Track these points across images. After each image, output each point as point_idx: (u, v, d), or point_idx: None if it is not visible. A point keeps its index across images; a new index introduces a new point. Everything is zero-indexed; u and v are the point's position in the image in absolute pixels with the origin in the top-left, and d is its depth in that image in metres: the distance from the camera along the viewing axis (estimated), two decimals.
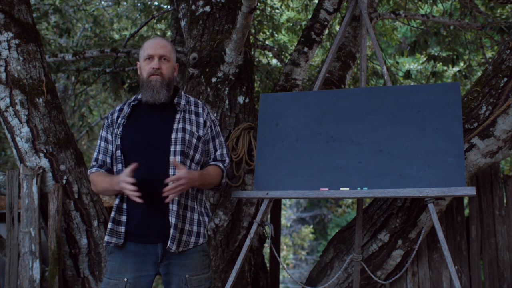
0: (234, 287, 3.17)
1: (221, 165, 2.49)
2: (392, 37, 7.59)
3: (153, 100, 2.37)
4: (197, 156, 2.42)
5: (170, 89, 2.42)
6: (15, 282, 3.45)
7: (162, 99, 2.38)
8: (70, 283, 3.59)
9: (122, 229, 2.32)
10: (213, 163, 2.49)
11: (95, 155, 2.48)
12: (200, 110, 2.51)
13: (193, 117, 2.46)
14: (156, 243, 2.31)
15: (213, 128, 2.52)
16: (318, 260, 4.28)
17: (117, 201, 2.34)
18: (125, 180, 2.18)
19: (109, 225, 2.32)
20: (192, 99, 2.54)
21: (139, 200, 2.18)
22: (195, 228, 2.37)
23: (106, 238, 2.31)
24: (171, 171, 2.31)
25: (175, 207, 2.28)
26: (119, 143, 2.37)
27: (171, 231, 2.27)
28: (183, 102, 2.46)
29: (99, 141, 2.49)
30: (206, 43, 3.74)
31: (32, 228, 3.42)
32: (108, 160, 2.45)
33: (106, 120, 2.49)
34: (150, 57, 2.40)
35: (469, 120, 3.48)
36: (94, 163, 2.47)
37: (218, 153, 2.51)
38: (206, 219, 2.47)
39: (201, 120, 2.48)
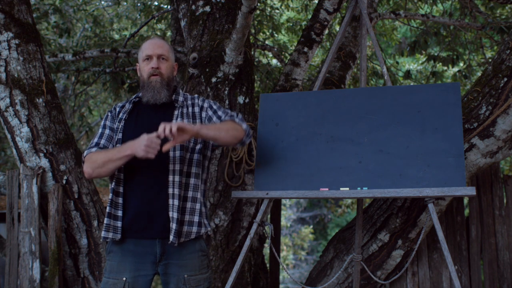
0: (234, 287, 3.17)
1: (228, 118, 2.42)
2: (392, 37, 7.59)
3: (154, 101, 2.39)
4: (197, 147, 2.42)
5: (170, 88, 2.44)
6: (15, 282, 3.45)
7: (163, 99, 2.39)
8: (70, 283, 3.59)
9: (119, 223, 2.32)
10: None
11: (95, 140, 2.40)
12: (196, 100, 2.51)
13: (190, 109, 2.47)
14: (154, 238, 2.31)
15: (212, 105, 2.49)
16: (318, 260, 4.28)
17: (111, 195, 2.33)
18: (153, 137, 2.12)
19: (105, 220, 2.31)
20: (189, 95, 2.55)
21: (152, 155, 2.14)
22: (196, 218, 2.37)
23: (103, 233, 2.31)
24: (170, 166, 2.31)
25: (176, 202, 2.28)
26: (120, 137, 2.37)
27: (173, 225, 2.27)
28: (180, 98, 2.48)
29: (101, 129, 2.44)
30: (206, 43, 3.74)
31: (32, 228, 3.42)
32: (111, 147, 2.39)
33: (110, 112, 2.49)
34: (148, 58, 2.41)
35: (469, 120, 3.48)
36: (95, 146, 2.38)
37: (222, 118, 2.45)
38: (204, 209, 2.46)
39: (196, 109, 2.47)
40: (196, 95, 2.56)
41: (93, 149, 2.37)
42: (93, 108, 10.17)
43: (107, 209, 2.32)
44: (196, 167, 2.40)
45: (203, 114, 2.47)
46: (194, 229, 2.35)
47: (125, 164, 2.32)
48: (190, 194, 2.37)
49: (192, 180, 2.38)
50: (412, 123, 2.73)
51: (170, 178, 2.31)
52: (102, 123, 2.49)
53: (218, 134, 2.30)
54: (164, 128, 2.12)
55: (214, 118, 2.46)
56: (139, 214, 2.31)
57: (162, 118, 2.40)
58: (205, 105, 2.49)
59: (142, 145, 2.14)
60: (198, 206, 2.38)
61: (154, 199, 2.31)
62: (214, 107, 2.50)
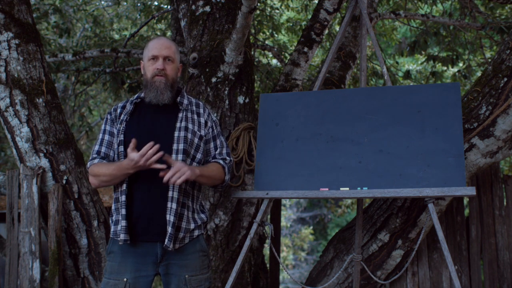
0: (234, 287, 3.17)
1: (221, 161, 2.49)
2: (392, 37, 7.59)
3: (157, 101, 2.38)
4: (198, 156, 2.43)
5: (173, 90, 2.43)
6: (15, 282, 3.45)
7: (166, 100, 2.38)
8: (70, 283, 3.59)
9: (124, 222, 2.31)
10: (212, 160, 2.50)
11: (96, 148, 2.43)
12: (201, 110, 2.52)
13: (195, 117, 2.47)
14: (155, 241, 2.31)
15: (214, 128, 2.53)
16: (318, 260, 4.28)
17: (124, 197, 2.31)
18: (141, 155, 2.17)
19: (123, 222, 2.28)
20: (193, 100, 2.55)
21: (162, 166, 2.20)
22: (192, 226, 2.37)
23: (122, 236, 2.27)
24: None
25: (174, 205, 2.28)
26: (122, 139, 2.36)
27: (169, 229, 2.27)
28: (185, 101, 2.47)
29: (101, 134, 2.45)
30: (206, 43, 3.74)
31: (32, 228, 3.42)
32: (112, 154, 2.41)
33: (109, 115, 2.47)
34: (154, 58, 2.40)
35: (469, 120, 3.48)
36: (96, 155, 2.41)
37: (217, 152, 2.52)
38: (203, 215, 2.46)
39: (202, 120, 2.49)
40: (201, 103, 2.56)
41: (95, 161, 2.39)
42: (93, 108, 10.17)
43: (123, 211, 2.30)
44: None
45: (206, 131, 2.49)
46: (188, 234, 2.37)
47: None
48: (185, 201, 2.37)
49: (190, 189, 2.39)
50: (412, 123, 2.73)
51: None
52: (102, 127, 2.49)
53: (208, 182, 2.43)
54: (171, 176, 2.20)
55: (211, 145, 2.51)
56: (141, 217, 2.31)
57: (166, 120, 2.40)
58: (209, 122, 2.52)
59: (137, 164, 2.20)
60: (191, 214, 2.39)
61: (154, 202, 2.31)
62: (215, 130, 2.54)
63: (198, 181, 2.37)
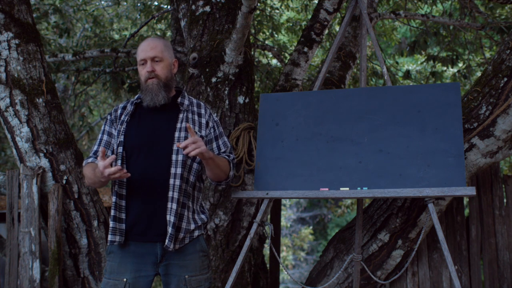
0: (234, 287, 3.17)
1: (226, 157, 2.50)
2: (392, 37, 7.59)
3: (153, 103, 2.38)
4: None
5: (168, 88, 2.42)
6: (15, 282, 3.45)
7: (162, 101, 2.38)
8: (70, 283, 3.59)
9: (124, 226, 2.32)
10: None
11: (94, 148, 2.44)
12: (202, 111, 2.51)
13: (196, 117, 2.47)
14: (155, 242, 2.31)
15: (216, 128, 2.53)
16: (318, 260, 4.28)
17: (114, 198, 2.33)
18: (104, 167, 2.13)
19: (111, 223, 2.31)
20: (194, 100, 2.55)
21: (127, 175, 2.17)
22: (192, 226, 2.38)
23: (110, 237, 2.30)
24: (172, 170, 2.31)
25: (174, 206, 2.29)
26: (122, 139, 2.36)
27: (170, 229, 2.27)
28: (186, 102, 2.47)
29: (100, 135, 2.47)
30: (206, 43, 3.74)
31: (32, 228, 3.42)
32: (109, 153, 2.42)
33: (109, 116, 2.48)
34: (143, 61, 2.41)
35: (469, 120, 3.48)
36: (92, 155, 2.43)
37: (221, 151, 2.52)
38: (203, 216, 2.47)
39: (203, 120, 2.48)
40: (202, 103, 2.56)
41: (90, 159, 2.41)
42: (93, 108, 10.16)
43: (112, 212, 2.32)
44: (195, 177, 2.41)
45: (207, 131, 2.49)
46: (189, 235, 2.37)
47: (127, 167, 2.32)
48: (185, 201, 2.37)
49: (190, 190, 2.39)
50: (412, 123, 2.73)
51: (171, 181, 2.30)
52: (102, 127, 2.50)
53: (215, 170, 2.40)
54: (185, 146, 2.18)
55: (214, 145, 2.50)
56: (140, 217, 2.31)
57: (166, 120, 2.40)
58: (210, 123, 2.51)
59: (102, 175, 2.16)
60: (191, 214, 2.39)
61: (154, 202, 2.31)
62: (217, 131, 2.53)
63: (207, 165, 2.35)
